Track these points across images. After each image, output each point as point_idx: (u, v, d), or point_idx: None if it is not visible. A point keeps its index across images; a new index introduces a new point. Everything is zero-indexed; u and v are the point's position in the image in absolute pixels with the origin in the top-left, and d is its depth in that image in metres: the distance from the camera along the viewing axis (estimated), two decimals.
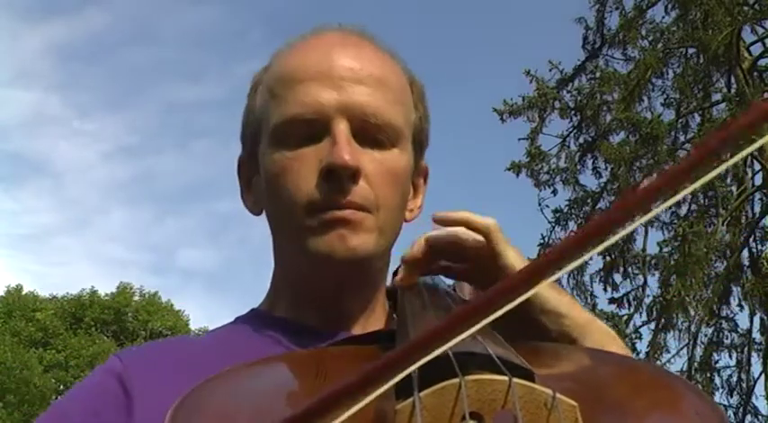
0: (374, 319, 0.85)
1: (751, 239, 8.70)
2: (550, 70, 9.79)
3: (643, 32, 9.65)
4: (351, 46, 0.83)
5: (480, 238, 0.82)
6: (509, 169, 9.80)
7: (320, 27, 0.87)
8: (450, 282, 0.93)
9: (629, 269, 9.19)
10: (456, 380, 0.41)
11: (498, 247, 0.81)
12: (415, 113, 0.86)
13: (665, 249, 8.60)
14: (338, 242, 0.76)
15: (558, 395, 0.43)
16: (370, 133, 0.79)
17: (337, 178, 0.76)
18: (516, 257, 0.82)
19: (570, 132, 9.89)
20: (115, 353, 0.81)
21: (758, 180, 8.76)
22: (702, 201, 9.03)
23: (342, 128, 0.77)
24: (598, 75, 9.67)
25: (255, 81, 0.88)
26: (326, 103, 0.78)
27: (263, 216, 0.89)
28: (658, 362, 8.17)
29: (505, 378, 0.42)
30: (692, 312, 8.17)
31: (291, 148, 0.79)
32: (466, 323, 0.40)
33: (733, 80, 8.89)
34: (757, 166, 8.68)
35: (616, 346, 0.81)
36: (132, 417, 0.71)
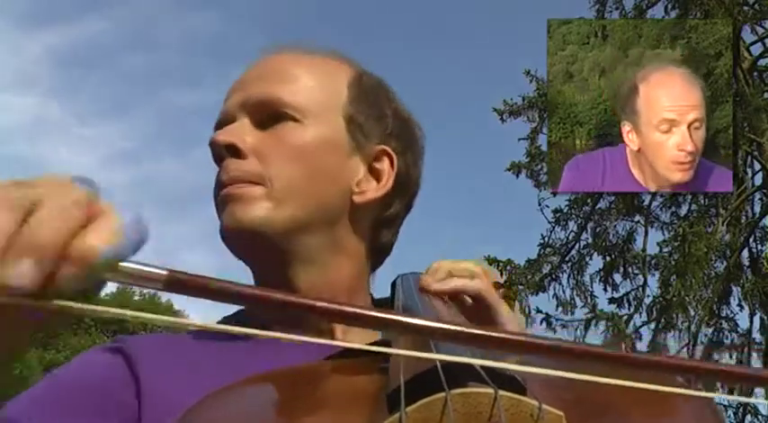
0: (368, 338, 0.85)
1: (751, 239, 8.69)
2: None
3: None
4: (271, 55, 0.89)
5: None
6: (509, 169, 9.80)
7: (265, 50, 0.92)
8: None
9: (629, 269, 9.18)
10: (441, 394, 0.41)
11: (492, 304, 0.82)
12: (346, 97, 0.87)
13: (665, 249, 8.59)
14: (227, 218, 0.81)
15: (544, 406, 0.43)
16: (267, 114, 0.83)
17: (220, 159, 0.83)
18: (509, 312, 0.83)
19: None
20: (118, 337, 0.80)
21: (758, 180, 8.75)
22: (702, 201, 9.02)
23: (242, 119, 0.83)
24: None
25: None
26: (231, 106, 0.85)
27: None
28: None
29: (491, 390, 0.42)
30: (692, 312, 8.17)
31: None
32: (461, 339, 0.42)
33: (733, 80, 8.88)
34: (757, 166, 8.67)
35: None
36: (140, 406, 0.69)
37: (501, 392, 0.42)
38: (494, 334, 0.38)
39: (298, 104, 0.83)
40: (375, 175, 0.87)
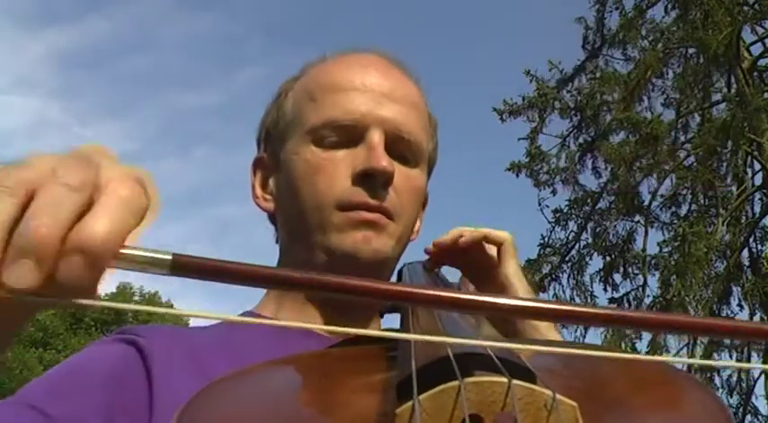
0: (373, 327, 0.86)
1: (751, 239, 8.69)
2: (550, 70, 9.81)
3: (643, 32, 9.66)
4: (386, 67, 0.89)
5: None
6: (509, 169, 9.80)
7: (354, 48, 0.92)
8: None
9: (629, 269, 9.19)
10: (455, 382, 0.41)
11: (506, 255, 0.91)
12: (431, 143, 0.93)
13: (665, 249, 8.59)
14: (362, 242, 0.81)
15: (557, 396, 0.42)
16: (399, 148, 0.85)
17: (372, 182, 0.81)
18: (516, 270, 0.90)
19: (570, 132, 9.90)
20: (126, 328, 0.79)
21: (758, 180, 8.75)
22: (702, 201, 9.03)
23: (378, 137, 0.82)
24: (598, 75, 9.67)
25: (283, 89, 0.93)
26: (365, 113, 0.83)
27: (265, 218, 0.92)
28: None
29: (505, 379, 0.41)
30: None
31: (326, 149, 0.83)
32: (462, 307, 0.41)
33: (733, 80, 8.88)
34: (757, 166, 8.67)
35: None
36: (152, 400, 0.69)
37: (515, 381, 0.41)
38: (513, 302, 0.37)
39: (422, 150, 0.88)
40: (419, 217, 0.94)
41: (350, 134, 0.83)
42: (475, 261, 0.93)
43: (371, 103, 0.84)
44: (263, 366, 0.56)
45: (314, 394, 0.52)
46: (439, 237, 0.92)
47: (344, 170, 0.82)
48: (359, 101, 0.84)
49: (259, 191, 0.92)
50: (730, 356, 8.63)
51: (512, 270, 0.90)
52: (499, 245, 0.90)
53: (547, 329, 0.88)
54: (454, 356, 0.44)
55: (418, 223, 0.94)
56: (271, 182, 0.91)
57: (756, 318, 8.48)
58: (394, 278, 0.92)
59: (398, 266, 0.91)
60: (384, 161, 0.81)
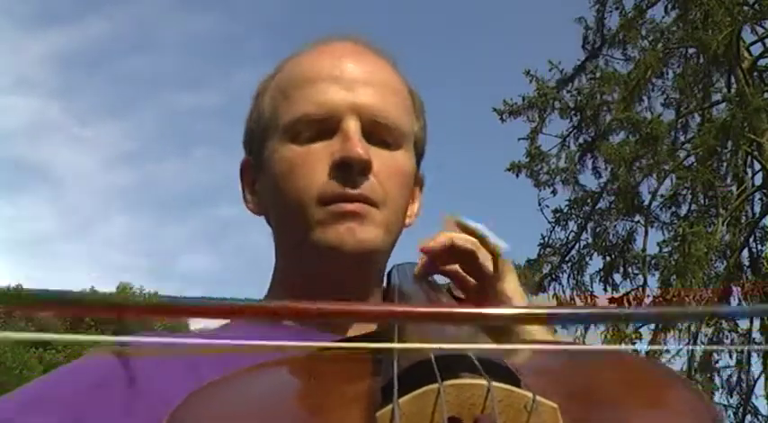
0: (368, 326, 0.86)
1: (751, 239, 8.69)
2: (550, 70, 9.80)
3: (643, 32, 9.65)
4: (360, 53, 0.87)
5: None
6: (509, 169, 9.80)
7: (328, 37, 0.90)
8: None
9: (629, 269, 9.18)
10: (435, 385, 0.41)
11: (505, 268, 0.85)
12: (417, 123, 0.90)
13: (665, 249, 8.59)
14: (347, 234, 0.79)
15: (538, 397, 0.43)
16: (378, 133, 0.83)
17: (349, 171, 0.79)
18: (516, 286, 0.86)
19: (570, 132, 9.89)
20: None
21: (758, 180, 8.75)
22: (702, 201, 9.02)
23: (353, 125, 0.81)
24: (598, 75, 9.66)
25: (261, 88, 0.92)
26: (338, 103, 0.82)
27: (262, 220, 0.91)
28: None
29: (484, 381, 0.42)
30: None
31: (302, 144, 0.82)
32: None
33: (733, 80, 8.88)
34: (757, 166, 8.67)
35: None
36: (138, 403, 0.68)
37: (494, 384, 0.42)
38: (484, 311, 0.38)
39: (403, 132, 0.85)
40: (413, 198, 0.92)
41: (325, 126, 0.81)
42: (467, 272, 0.88)
43: (344, 91, 0.82)
44: (251, 370, 0.56)
45: (301, 398, 0.52)
46: (426, 239, 0.86)
47: (322, 163, 0.80)
48: (331, 91, 0.82)
49: (248, 195, 0.92)
50: (730, 356, 8.63)
51: (512, 286, 0.85)
52: (495, 255, 0.84)
53: (541, 332, 0.87)
54: (435, 359, 0.45)
55: (416, 205, 0.92)
56: (257, 185, 0.90)
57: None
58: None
59: (390, 264, 0.90)
60: (358, 148, 0.79)
